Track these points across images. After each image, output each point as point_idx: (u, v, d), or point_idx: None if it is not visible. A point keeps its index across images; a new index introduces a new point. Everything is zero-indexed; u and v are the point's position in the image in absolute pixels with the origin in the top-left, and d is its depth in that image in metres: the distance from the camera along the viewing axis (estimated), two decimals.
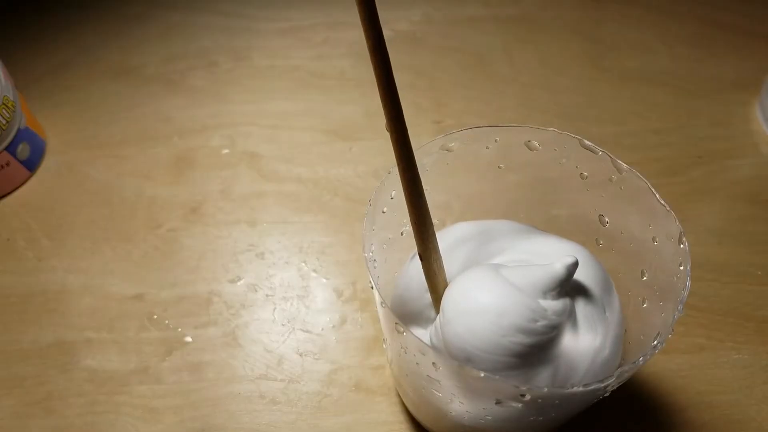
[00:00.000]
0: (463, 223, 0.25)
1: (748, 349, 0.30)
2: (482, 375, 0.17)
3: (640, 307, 0.23)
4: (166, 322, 0.32)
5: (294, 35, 0.49)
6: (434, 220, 0.26)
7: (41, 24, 0.51)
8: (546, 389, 0.17)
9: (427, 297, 0.23)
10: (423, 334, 0.23)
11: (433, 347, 0.19)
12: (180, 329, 0.32)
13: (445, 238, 0.24)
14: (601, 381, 0.18)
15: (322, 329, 0.31)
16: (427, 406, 0.24)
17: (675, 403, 0.28)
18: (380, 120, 0.40)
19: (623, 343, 0.23)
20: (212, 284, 0.33)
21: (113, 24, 0.51)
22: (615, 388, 0.19)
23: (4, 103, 0.36)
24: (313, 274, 0.34)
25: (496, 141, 0.24)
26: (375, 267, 0.21)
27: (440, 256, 0.22)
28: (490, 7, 0.50)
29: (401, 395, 0.28)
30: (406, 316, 0.24)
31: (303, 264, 0.34)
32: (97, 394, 0.29)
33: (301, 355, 0.30)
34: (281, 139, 0.41)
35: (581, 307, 0.22)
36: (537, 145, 0.24)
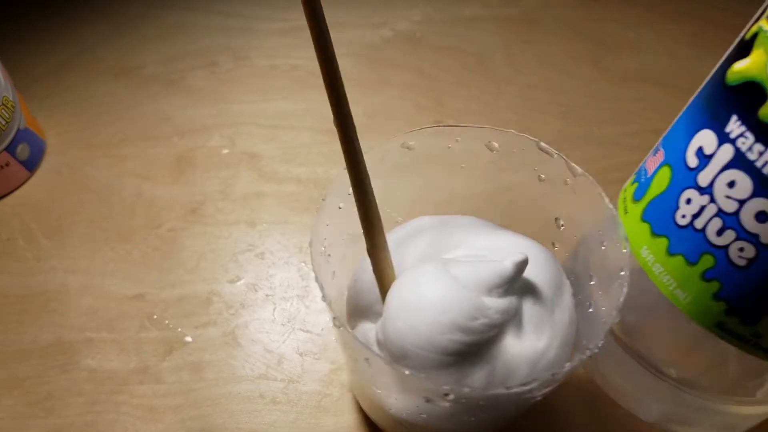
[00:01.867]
0: (425, 217, 0.25)
1: None
2: (407, 372, 0.17)
3: (587, 311, 0.22)
4: (166, 322, 0.32)
5: (294, 35, 0.49)
6: (398, 218, 0.26)
7: (41, 24, 0.51)
8: (466, 390, 0.17)
9: (377, 291, 0.22)
10: (372, 328, 0.23)
11: (365, 344, 0.18)
12: (180, 329, 0.32)
13: (403, 231, 0.24)
14: (525, 384, 0.17)
15: (322, 329, 0.31)
16: (370, 402, 0.24)
17: None
18: (381, 120, 0.40)
19: (572, 346, 0.22)
20: (212, 284, 0.33)
21: (113, 24, 0.51)
22: (545, 392, 0.18)
23: (3, 104, 0.36)
24: (313, 274, 0.34)
25: (457, 140, 0.24)
26: (329, 262, 0.21)
27: (389, 255, 0.21)
28: (490, 7, 0.51)
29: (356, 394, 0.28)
30: (358, 309, 0.23)
31: (303, 264, 0.34)
32: (97, 394, 0.29)
33: (301, 355, 0.30)
34: (281, 139, 0.41)
35: (529, 306, 0.21)
36: (497, 146, 0.24)
